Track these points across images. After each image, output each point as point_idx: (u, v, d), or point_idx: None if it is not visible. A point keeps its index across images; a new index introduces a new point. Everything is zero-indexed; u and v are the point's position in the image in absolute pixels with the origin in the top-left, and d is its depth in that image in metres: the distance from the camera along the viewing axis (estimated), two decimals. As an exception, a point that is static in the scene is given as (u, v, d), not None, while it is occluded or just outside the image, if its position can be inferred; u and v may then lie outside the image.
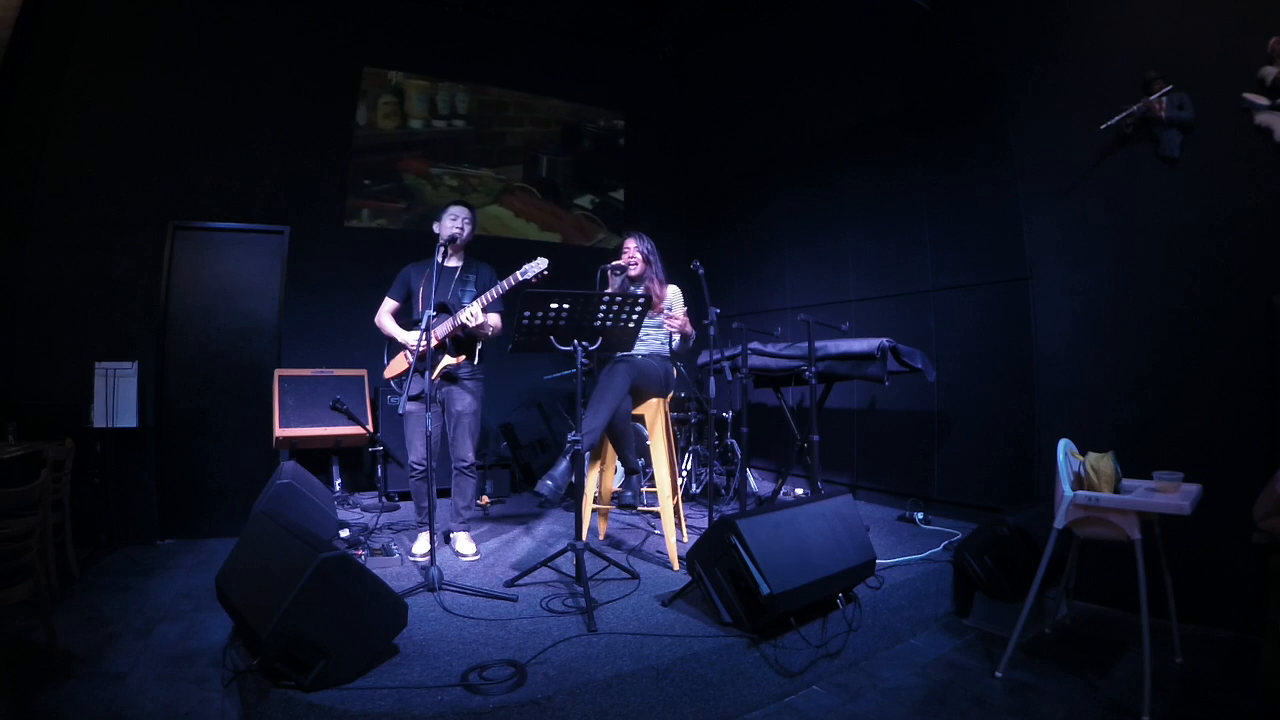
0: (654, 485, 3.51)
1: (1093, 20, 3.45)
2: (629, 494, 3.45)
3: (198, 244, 4.67)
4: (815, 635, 2.51)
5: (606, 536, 3.71)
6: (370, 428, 4.25)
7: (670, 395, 3.39)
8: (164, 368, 4.50)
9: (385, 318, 3.36)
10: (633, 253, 3.35)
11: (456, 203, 3.35)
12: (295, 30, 5.02)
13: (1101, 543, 2.46)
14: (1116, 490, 2.40)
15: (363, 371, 4.65)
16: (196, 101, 4.65)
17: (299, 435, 4.27)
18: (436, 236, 3.20)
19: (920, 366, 3.71)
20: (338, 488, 4.57)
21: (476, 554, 3.34)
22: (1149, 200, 3.22)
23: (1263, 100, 2.82)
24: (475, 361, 3.31)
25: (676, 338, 3.32)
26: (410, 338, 3.24)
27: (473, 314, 3.05)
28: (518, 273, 3.04)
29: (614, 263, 3.37)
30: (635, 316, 2.75)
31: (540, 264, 3.04)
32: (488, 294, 3.11)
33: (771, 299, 5.54)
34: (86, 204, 4.34)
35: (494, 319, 3.21)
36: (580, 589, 2.60)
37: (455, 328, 3.13)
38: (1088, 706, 2.32)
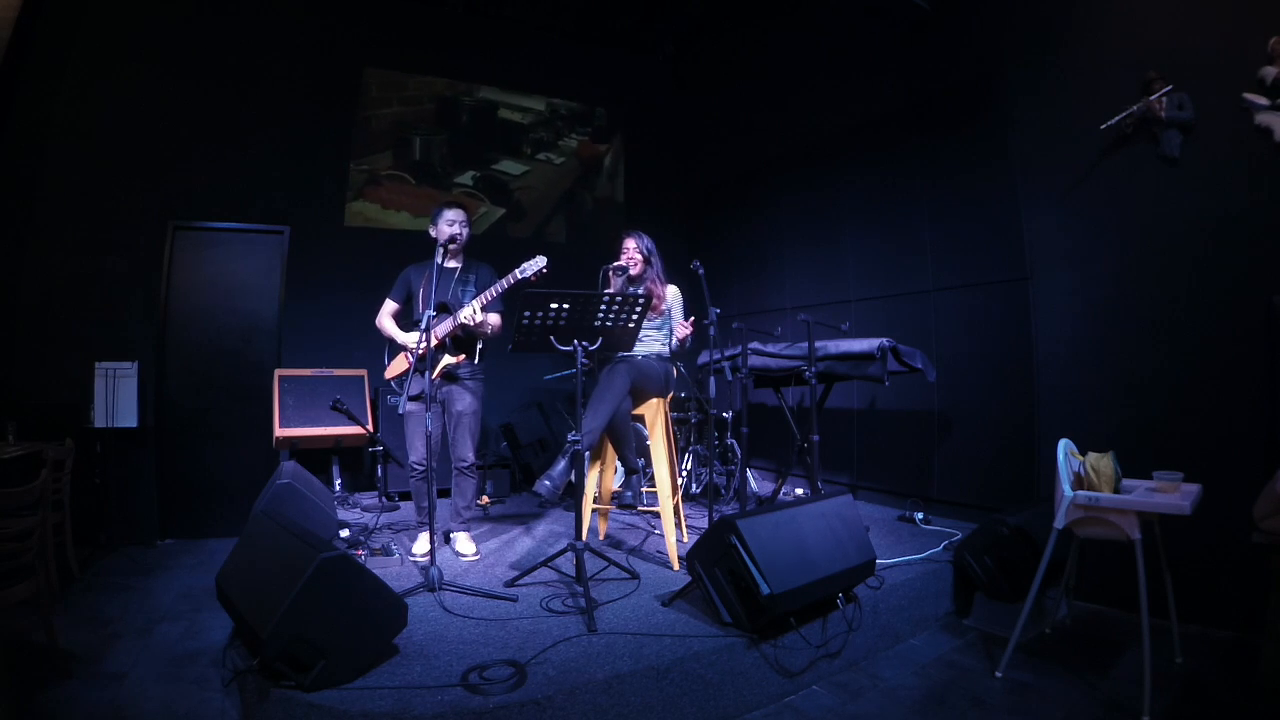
0: (654, 485, 3.51)
1: (1093, 20, 3.45)
2: (629, 494, 3.46)
3: (198, 244, 4.67)
4: (815, 635, 2.51)
5: (606, 536, 3.71)
6: (370, 428, 4.25)
7: (670, 395, 3.39)
8: (164, 368, 4.50)
9: (385, 319, 3.37)
10: (632, 253, 3.35)
11: (450, 205, 3.35)
12: (295, 30, 5.02)
13: (1101, 543, 2.46)
14: (1116, 490, 2.40)
15: (363, 371, 4.65)
16: (196, 101, 4.65)
17: (299, 435, 4.27)
18: (434, 239, 3.20)
19: (920, 366, 3.71)
20: (338, 488, 4.57)
21: (476, 554, 3.34)
22: (1149, 200, 3.22)
23: (1263, 100, 2.82)
24: (476, 361, 3.32)
25: (676, 339, 3.33)
26: (410, 339, 3.24)
27: (473, 312, 3.05)
28: (516, 271, 3.05)
29: (614, 264, 3.36)
30: (635, 316, 2.75)
31: (539, 262, 3.04)
32: (486, 293, 3.11)
33: (771, 299, 5.54)
34: (86, 204, 4.34)
35: (494, 318, 3.21)
36: (580, 589, 2.59)
37: (455, 327, 3.14)
38: (1088, 706, 2.32)
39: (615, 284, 3.40)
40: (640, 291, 3.25)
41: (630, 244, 3.36)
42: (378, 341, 3.49)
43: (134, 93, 4.49)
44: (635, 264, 3.33)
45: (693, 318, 3.29)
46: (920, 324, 4.26)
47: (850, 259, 4.85)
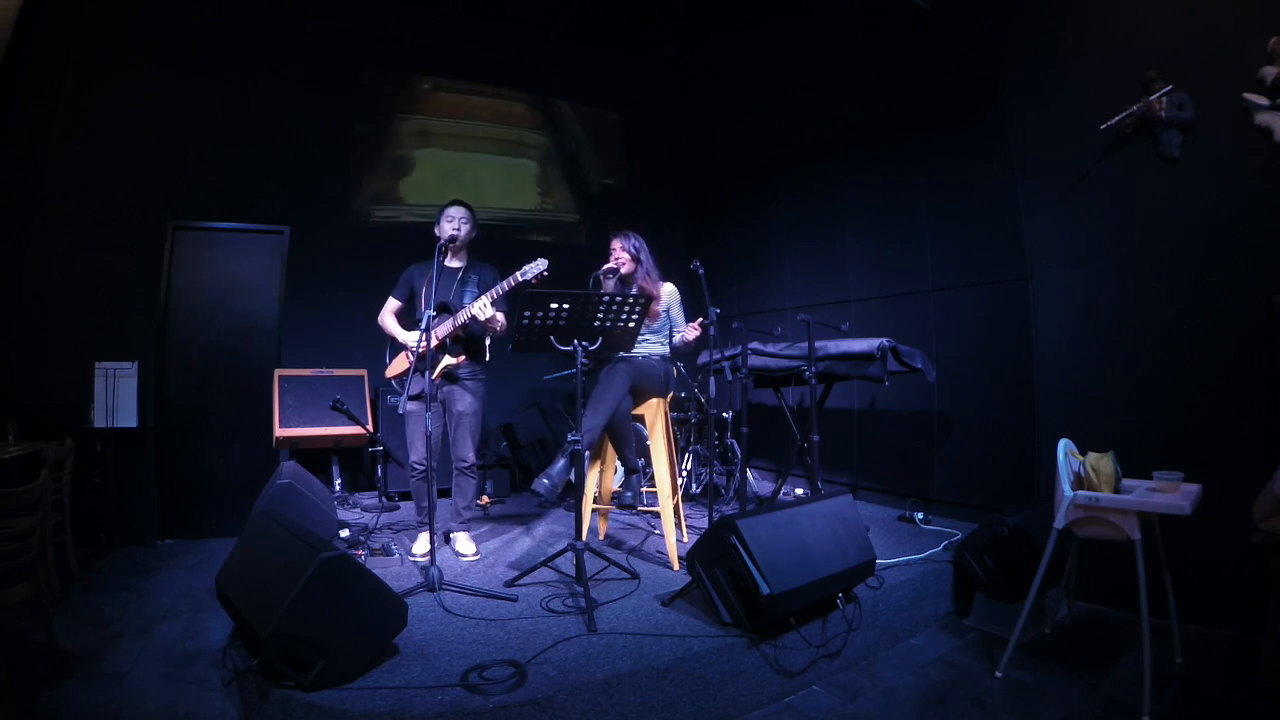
0: (654, 485, 3.51)
1: (1093, 20, 3.45)
2: (629, 494, 3.45)
3: (198, 244, 4.66)
4: (815, 635, 2.51)
5: (606, 536, 3.71)
6: (370, 428, 4.25)
7: (670, 395, 3.39)
8: (164, 368, 4.50)
9: (388, 318, 3.37)
10: (619, 253, 3.32)
11: (453, 203, 3.36)
12: (295, 30, 5.02)
13: (1101, 543, 2.46)
14: (1116, 490, 2.40)
15: (363, 371, 4.65)
16: (196, 101, 4.65)
17: (299, 435, 4.27)
18: (437, 238, 3.21)
19: (920, 366, 3.71)
20: (338, 488, 4.57)
21: (476, 554, 3.34)
22: (1149, 200, 3.22)
23: (1263, 100, 2.82)
24: (486, 359, 3.33)
25: (677, 336, 3.32)
26: (411, 338, 3.24)
27: (484, 306, 3.05)
28: (517, 273, 3.04)
29: (605, 267, 3.35)
30: (635, 317, 2.75)
31: (540, 264, 3.04)
32: (490, 293, 3.11)
33: (771, 299, 5.54)
34: (86, 204, 4.34)
35: (500, 315, 3.21)
36: (580, 589, 2.60)
37: (457, 327, 3.14)
38: (1088, 706, 2.32)
39: (607, 286, 3.38)
40: (634, 292, 3.25)
41: (617, 244, 3.34)
42: (378, 341, 3.49)
43: (134, 92, 4.48)
44: (624, 263, 3.32)
45: (700, 319, 3.24)
46: (920, 324, 4.26)
47: (850, 259, 4.85)
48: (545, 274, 3.03)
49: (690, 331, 3.24)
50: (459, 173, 5.71)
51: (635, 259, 3.33)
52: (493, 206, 5.81)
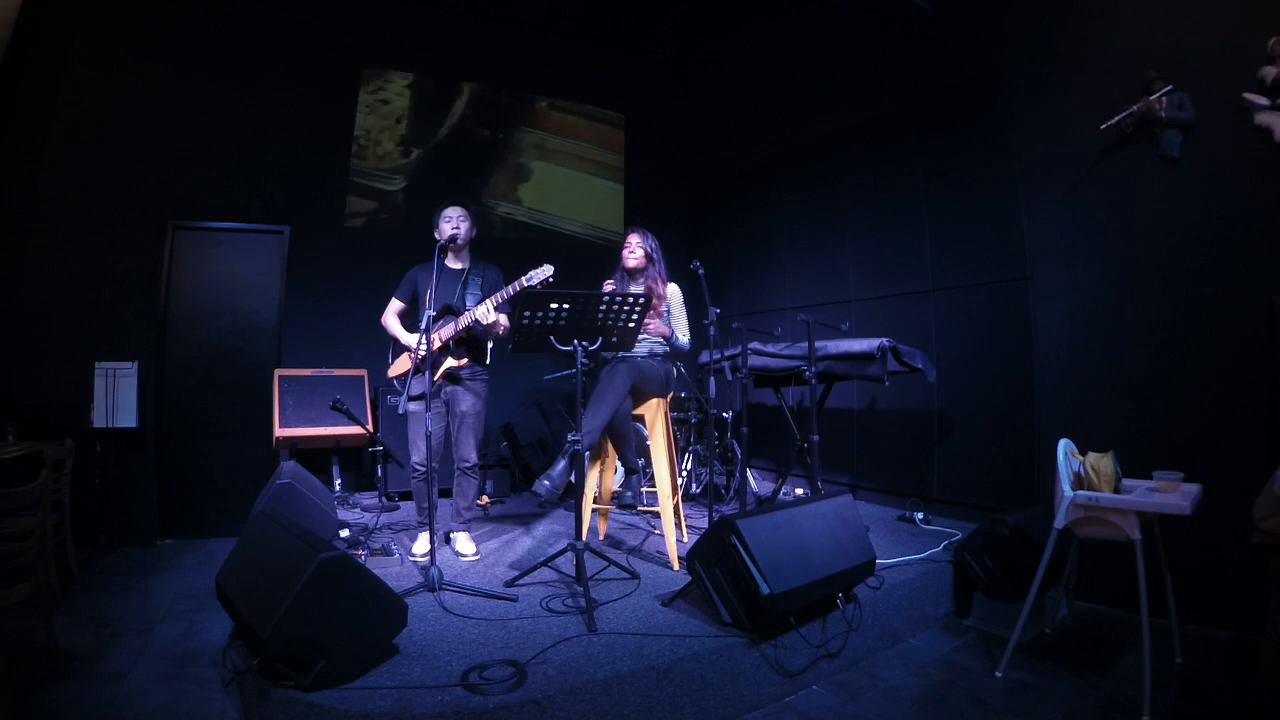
0: (654, 485, 3.52)
1: (1093, 20, 3.45)
2: (629, 494, 3.46)
3: (198, 244, 4.66)
4: (815, 635, 2.51)
5: (606, 536, 3.71)
6: (370, 428, 4.25)
7: (670, 395, 3.39)
8: (164, 368, 4.49)
9: (391, 319, 3.38)
10: (634, 246, 3.34)
11: (451, 203, 3.36)
12: (295, 30, 5.02)
13: (1101, 543, 2.46)
14: (1116, 490, 2.40)
15: (363, 371, 4.65)
16: (196, 101, 4.65)
17: (299, 435, 4.27)
18: (437, 240, 3.20)
19: (920, 366, 3.71)
20: (338, 488, 4.57)
21: (476, 554, 3.34)
22: (1149, 200, 3.22)
23: (1263, 100, 2.82)
24: (488, 361, 3.33)
25: (677, 336, 3.33)
26: (414, 339, 3.24)
27: (487, 310, 3.05)
28: (523, 278, 3.03)
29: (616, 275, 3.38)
30: (635, 316, 2.75)
31: (546, 270, 3.02)
32: (495, 296, 3.11)
33: (771, 299, 5.54)
34: (86, 204, 4.34)
35: (503, 319, 3.22)
36: (580, 589, 2.60)
37: (460, 330, 3.14)
38: (1088, 706, 2.32)
39: (615, 285, 3.39)
40: (639, 289, 3.25)
41: (634, 239, 3.36)
42: (378, 341, 3.49)
43: (133, 92, 4.48)
44: (635, 257, 3.33)
45: (685, 309, 3.28)
46: (920, 324, 4.26)
47: (850, 259, 4.85)
48: (550, 280, 3.02)
49: (659, 328, 3.26)
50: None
51: (649, 257, 3.34)
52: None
